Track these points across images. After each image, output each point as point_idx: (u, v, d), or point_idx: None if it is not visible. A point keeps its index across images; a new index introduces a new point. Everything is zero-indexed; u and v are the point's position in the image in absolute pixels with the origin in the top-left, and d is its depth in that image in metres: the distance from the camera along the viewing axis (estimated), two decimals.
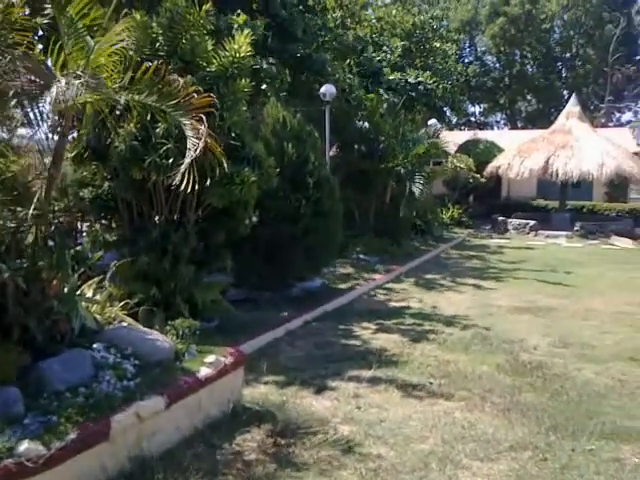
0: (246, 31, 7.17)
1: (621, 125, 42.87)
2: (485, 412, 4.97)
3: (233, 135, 6.80)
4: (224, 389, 4.73)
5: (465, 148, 26.20)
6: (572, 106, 23.21)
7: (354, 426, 4.64)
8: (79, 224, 8.65)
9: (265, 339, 6.93)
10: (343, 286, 10.35)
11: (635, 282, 11.79)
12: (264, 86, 10.47)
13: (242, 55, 7.00)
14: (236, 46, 6.99)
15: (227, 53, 6.96)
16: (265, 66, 10.04)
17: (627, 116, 46.51)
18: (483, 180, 24.12)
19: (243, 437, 4.35)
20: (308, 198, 8.70)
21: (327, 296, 9.30)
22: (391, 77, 18.14)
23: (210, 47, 6.99)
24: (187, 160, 4.49)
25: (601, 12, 42.44)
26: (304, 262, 8.92)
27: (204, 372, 4.53)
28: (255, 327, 7.06)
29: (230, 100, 6.91)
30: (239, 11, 10.54)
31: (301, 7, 13.18)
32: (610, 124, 43.04)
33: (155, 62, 4.98)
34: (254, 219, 7.35)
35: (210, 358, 4.70)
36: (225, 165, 5.09)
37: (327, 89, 12.87)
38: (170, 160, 6.08)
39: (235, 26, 9.76)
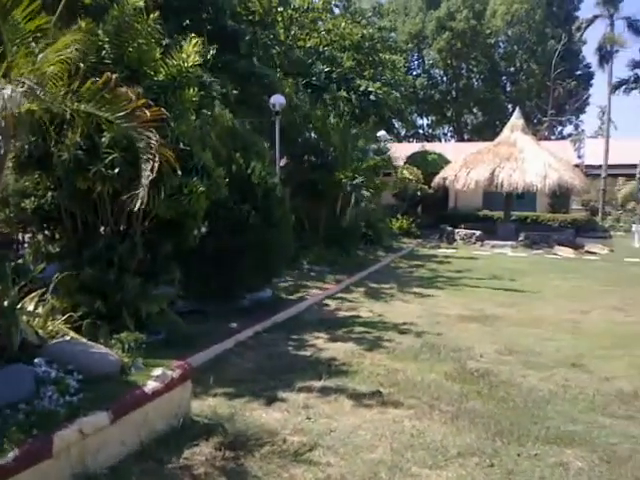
0: (194, 40, 7.12)
1: (563, 138, 44.37)
2: (433, 420, 5.02)
3: (181, 145, 6.73)
4: (171, 403, 4.64)
5: (413, 160, 26.61)
6: (516, 119, 23.86)
7: (304, 437, 4.62)
8: (21, 235, 8.40)
9: (214, 351, 6.84)
10: (294, 296, 10.34)
11: (577, 290, 12.15)
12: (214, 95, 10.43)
13: (190, 64, 6.96)
14: (184, 55, 6.95)
15: (175, 62, 6.90)
16: (209, 81, 9.98)
17: (568, 129, 48.23)
18: (431, 191, 24.51)
19: (191, 451, 4.28)
20: (257, 208, 8.66)
21: (278, 307, 9.26)
22: (339, 94, 18.31)
23: (158, 56, 6.91)
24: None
25: (544, 28, 43.92)
26: (254, 273, 8.87)
27: (151, 386, 4.44)
28: (204, 339, 6.97)
29: (178, 109, 6.85)
30: (187, 21, 10.51)
31: (250, 18, 13.19)
32: (552, 137, 44.48)
33: (106, 73, 4.88)
34: (203, 230, 7.27)
35: (157, 371, 4.61)
36: (178, 173, 5.03)
37: (276, 100, 12.90)
38: (116, 170, 5.98)
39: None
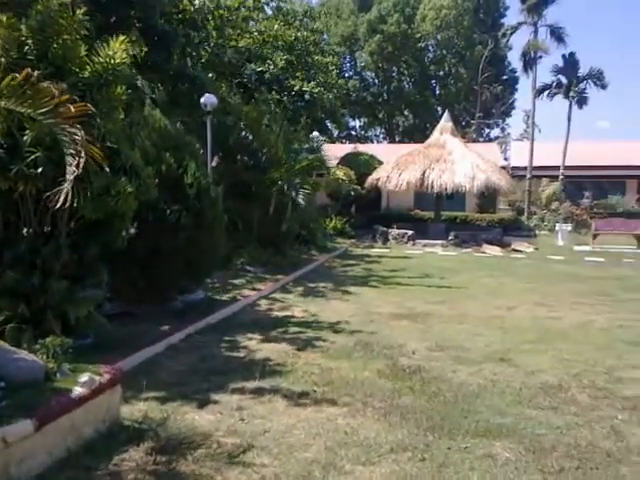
0: (121, 38, 6.94)
1: (490, 140, 45.78)
2: (367, 417, 5.06)
3: (108, 144, 6.55)
4: (100, 408, 4.51)
5: (347, 160, 26.85)
6: (445, 122, 24.44)
7: (237, 438, 4.57)
8: None
9: (145, 354, 6.69)
10: (227, 297, 10.24)
11: (504, 287, 12.53)
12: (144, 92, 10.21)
13: (117, 62, 6.78)
14: (111, 52, 6.76)
15: (101, 59, 6.71)
16: (139, 80, 9.76)
17: (495, 132, 49.84)
18: (364, 192, 24.78)
19: (121, 457, 4.16)
20: (189, 209, 8.53)
21: (210, 308, 9.15)
22: (270, 96, 18.28)
23: (83, 52, 6.70)
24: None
25: (471, 34, 45.16)
26: (185, 274, 8.73)
27: (77, 391, 4.29)
28: (134, 342, 6.81)
29: (105, 107, 6.66)
30: (114, 17, 10.23)
31: (180, 16, 12.98)
32: (480, 139, 45.80)
33: (26, 69, 4.70)
34: (132, 231, 7.10)
35: (84, 377, 4.46)
36: (105, 172, 4.89)
37: (207, 99, 12.74)
38: (39, 169, 5.76)
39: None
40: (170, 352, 7.00)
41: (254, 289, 11.13)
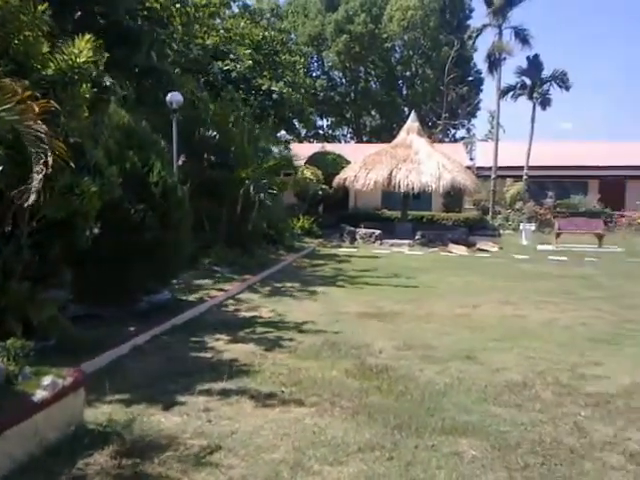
0: (87, 36, 6.82)
1: (456, 141, 46.27)
2: (335, 416, 5.06)
3: (72, 142, 6.42)
4: (63, 412, 4.42)
5: (314, 160, 26.86)
6: (412, 122, 24.63)
7: (204, 440, 4.53)
8: None
9: (110, 356, 6.58)
10: (194, 298, 10.15)
11: (470, 286, 12.68)
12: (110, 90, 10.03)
13: (82, 60, 6.65)
14: (76, 50, 6.63)
15: (65, 57, 6.58)
16: (104, 78, 9.58)
17: (461, 133, 50.38)
18: (332, 191, 24.83)
19: (85, 461, 4.09)
20: (154, 208, 8.41)
21: (177, 309, 9.05)
22: (236, 95, 18.19)
23: (46, 49, 6.56)
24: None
25: (438, 35, 45.56)
26: (151, 275, 8.60)
27: (40, 395, 4.20)
28: (98, 344, 6.68)
29: (69, 105, 6.53)
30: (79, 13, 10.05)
31: (146, 13, 12.81)
32: (446, 140, 46.23)
33: None
34: (96, 231, 6.97)
35: (46, 380, 4.37)
36: (69, 170, 4.78)
37: (173, 97, 12.61)
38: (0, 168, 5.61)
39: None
40: (135, 354, 6.91)
41: (221, 289, 11.06)
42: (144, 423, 4.82)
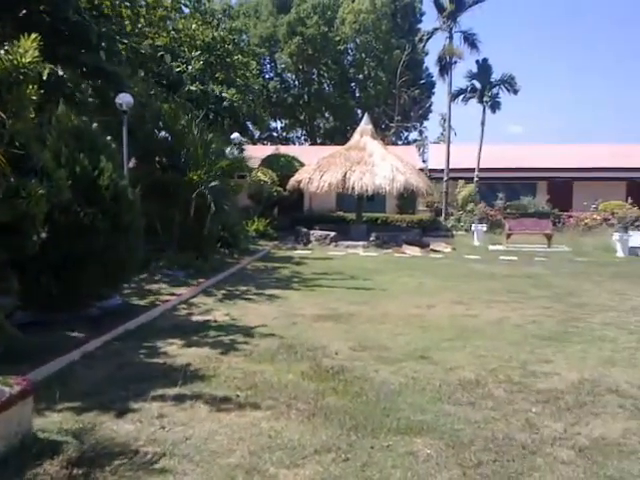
0: (33, 35, 6.62)
1: (408, 143, 46.90)
2: (291, 419, 5.05)
3: (17, 144, 6.23)
4: (10, 422, 4.27)
5: (268, 162, 26.83)
6: (365, 124, 24.79)
7: (158, 447, 4.45)
8: None
9: (59, 364, 6.41)
10: (146, 303, 9.98)
11: (424, 287, 12.82)
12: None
13: (28, 60, 6.46)
14: (21, 50, 6.43)
15: (10, 57, 6.37)
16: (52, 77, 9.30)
17: (413, 135, 51.05)
18: (286, 193, 24.83)
19: (34, 471, 3.97)
20: (105, 212, 8.23)
21: (129, 314, 8.88)
22: (192, 88, 17.98)
23: None
24: None
25: (390, 38, 46.03)
26: (101, 280, 8.41)
27: None
28: (48, 352, 6.51)
29: (15, 107, 6.33)
30: (25, 11, 9.76)
31: (95, 12, 12.54)
32: (399, 142, 46.80)
33: None
34: (43, 235, 6.78)
35: None
36: (11, 176, 4.63)
37: (123, 98, 12.37)
38: None
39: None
40: (86, 361, 6.74)
41: (174, 294, 10.90)
42: (95, 431, 4.71)
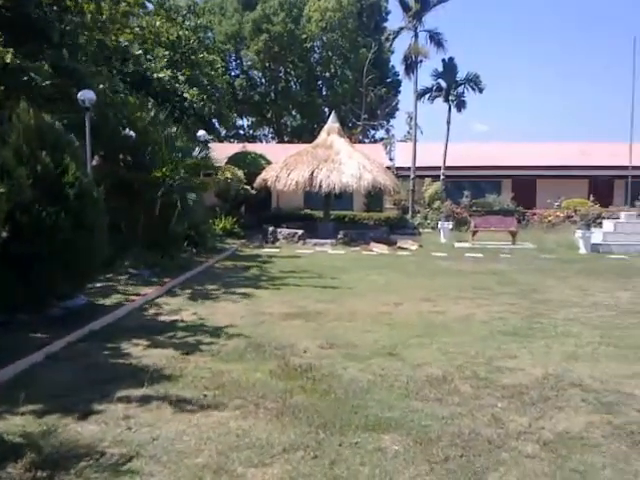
0: None
1: (375, 141, 47.08)
2: (259, 418, 5.02)
3: None
4: None
5: (235, 160, 26.66)
6: (332, 122, 24.80)
7: (124, 448, 4.39)
8: None
9: (21, 365, 6.27)
10: (111, 302, 9.84)
11: (391, 284, 12.89)
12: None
13: None
14: None
15: None
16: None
17: (380, 133, 51.26)
18: (254, 191, 24.70)
19: None
20: (68, 210, 8.08)
21: (93, 314, 8.73)
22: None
23: None
24: None
25: (356, 37, 46.12)
26: (64, 279, 8.25)
27: None
28: (9, 353, 6.37)
29: None
30: None
31: (56, 8, 12.29)
32: (366, 140, 46.96)
33: None
34: (4, 234, 6.63)
35: None
36: None
37: (85, 95, 12.16)
38: None
39: None
40: (50, 362, 6.62)
41: (140, 293, 10.76)
42: (60, 433, 4.63)
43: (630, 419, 5.08)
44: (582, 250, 20.19)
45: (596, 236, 21.02)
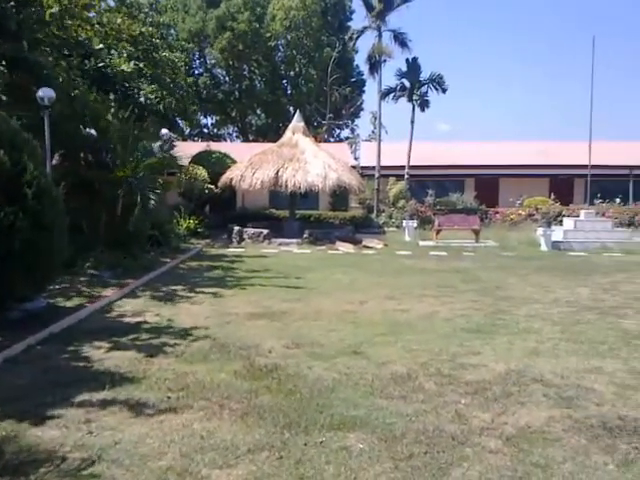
0: None
1: (341, 141, 47.21)
2: (223, 419, 4.99)
3: None
4: None
5: (199, 159, 26.45)
6: (297, 122, 24.77)
7: (85, 452, 4.31)
8: None
9: None
10: (72, 304, 9.66)
11: (357, 283, 12.94)
12: None
13: None
14: None
15: None
16: None
17: (345, 133, 51.42)
18: (218, 191, 24.52)
19: None
20: (26, 210, 7.90)
21: (54, 317, 8.56)
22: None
23: None
24: None
25: (320, 36, 46.14)
26: (23, 281, 8.06)
27: None
28: None
29: None
30: None
31: (13, 3, 12.00)
32: (331, 140, 47.04)
33: None
34: None
35: None
36: None
37: (45, 93, 11.91)
38: None
39: None
40: (8, 366, 6.46)
41: (102, 295, 10.60)
42: (19, 438, 4.53)
43: (589, 413, 5.19)
44: (543, 247, 20.58)
45: (557, 234, 21.45)
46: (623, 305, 10.31)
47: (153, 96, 19.73)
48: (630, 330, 8.40)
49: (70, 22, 13.17)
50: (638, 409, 5.28)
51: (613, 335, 8.09)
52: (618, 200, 29.84)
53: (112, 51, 19.06)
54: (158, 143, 16.61)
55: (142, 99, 19.23)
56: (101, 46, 16.32)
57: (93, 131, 14.01)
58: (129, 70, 17.70)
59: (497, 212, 29.68)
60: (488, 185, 32.14)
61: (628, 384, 5.99)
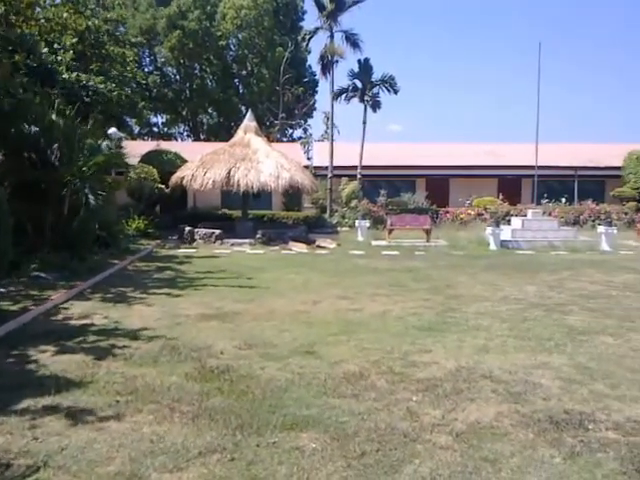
0: None
1: (293, 140, 47.17)
2: (174, 422, 4.91)
3: None
4: None
5: (149, 158, 26.05)
6: (249, 121, 24.66)
7: (31, 459, 4.19)
8: None
9: None
10: (17, 308, 9.36)
11: (310, 283, 12.93)
12: None
13: None
14: None
15: None
16: None
17: (298, 132, 51.39)
18: (169, 191, 24.18)
19: None
20: None
21: None
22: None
23: None
24: None
25: (272, 35, 46.04)
26: None
27: None
28: None
29: None
30: None
31: None
32: (284, 139, 46.99)
33: None
34: None
35: None
36: None
37: None
38: None
39: None
40: None
41: (48, 297, 10.30)
42: None
43: (537, 407, 5.31)
44: (492, 246, 20.98)
45: (505, 233, 21.91)
46: (568, 302, 10.59)
47: (102, 85, 19.19)
48: (575, 326, 8.64)
49: (14, 18, 12.75)
50: (583, 403, 5.43)
51: (559, 331, 8.30)
52: (564, 200, 30.66)
53: (56, 44, 18.53)
54: (106, 142, 16.25)
55: (95, 96, 18.68)
56: (45, 50, 15.83)
57: (37, 129, 13.60)
58: (75, 64, 17.19)
59: (447, 212, 30.12)
60: (439, 185, 32.64)
61: (574, 379, 6.15)
